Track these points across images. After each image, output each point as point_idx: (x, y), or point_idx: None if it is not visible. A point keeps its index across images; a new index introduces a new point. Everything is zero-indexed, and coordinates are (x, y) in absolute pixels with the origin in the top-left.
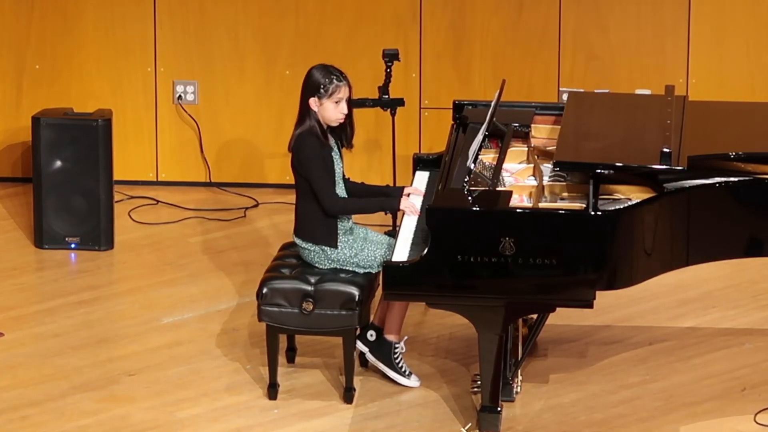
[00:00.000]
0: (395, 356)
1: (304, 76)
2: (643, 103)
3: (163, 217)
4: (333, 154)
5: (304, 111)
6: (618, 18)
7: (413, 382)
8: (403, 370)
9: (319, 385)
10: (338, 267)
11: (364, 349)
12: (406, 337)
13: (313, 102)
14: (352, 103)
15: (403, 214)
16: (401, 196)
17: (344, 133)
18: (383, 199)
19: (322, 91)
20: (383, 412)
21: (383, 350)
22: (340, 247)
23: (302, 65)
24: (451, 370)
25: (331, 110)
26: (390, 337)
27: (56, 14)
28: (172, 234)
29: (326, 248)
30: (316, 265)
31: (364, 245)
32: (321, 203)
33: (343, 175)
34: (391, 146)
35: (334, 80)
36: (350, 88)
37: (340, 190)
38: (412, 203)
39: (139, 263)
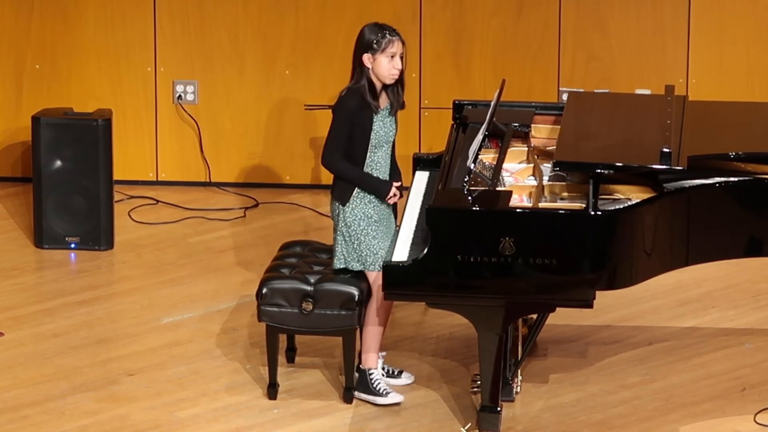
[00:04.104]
0: (372, 381)
1: (303, 75)
2: (643, 103)
3: (163, 217)
4: (381, 117)
5: (357, 69)
6: (618, 18)
7: (393, 398)
8: (380, 390)
9: (319, 385)
10: (346, 237)
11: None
12: (384, 353)
13: (366, 58)
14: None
15: (404, 213)
16: (392, 187)
17: (395, 91)
18: (379, 181)
19: (375, 46)
20: (383, 412)
21: (362, 381)
22: (357, 223)
23: (302, 65)
24: (451, 370)
25: (385, 65)
26: (366, 364)
27: (56, 14)
28: (172, 234)
29: (339, 205)
30: (334, 224)
31: (380, 235)
32: (322, 152)
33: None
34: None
35: (387, 34)
36: (404, 45)
37: (384, 154)
38: (397, 193)
39: (139, 263)
